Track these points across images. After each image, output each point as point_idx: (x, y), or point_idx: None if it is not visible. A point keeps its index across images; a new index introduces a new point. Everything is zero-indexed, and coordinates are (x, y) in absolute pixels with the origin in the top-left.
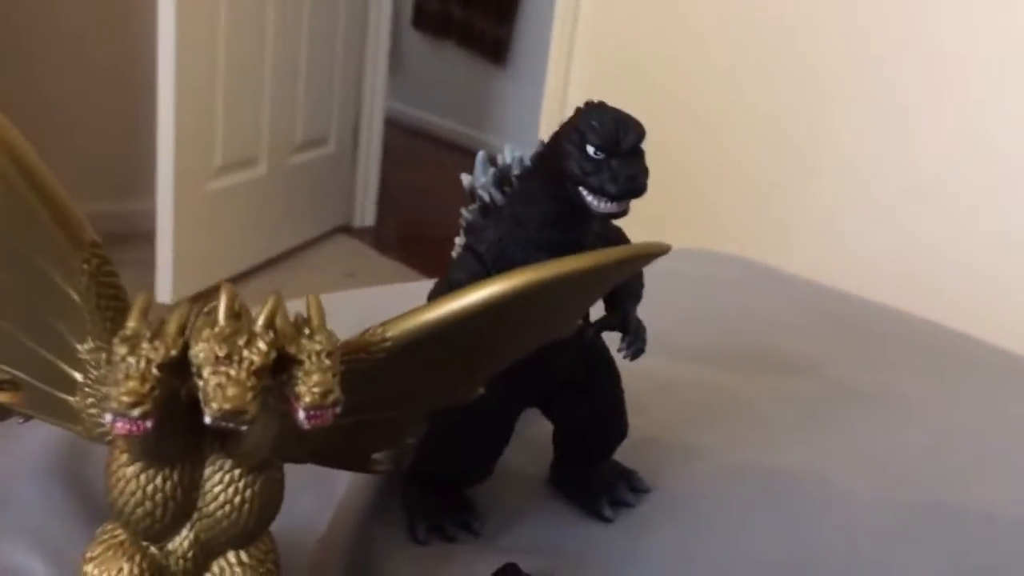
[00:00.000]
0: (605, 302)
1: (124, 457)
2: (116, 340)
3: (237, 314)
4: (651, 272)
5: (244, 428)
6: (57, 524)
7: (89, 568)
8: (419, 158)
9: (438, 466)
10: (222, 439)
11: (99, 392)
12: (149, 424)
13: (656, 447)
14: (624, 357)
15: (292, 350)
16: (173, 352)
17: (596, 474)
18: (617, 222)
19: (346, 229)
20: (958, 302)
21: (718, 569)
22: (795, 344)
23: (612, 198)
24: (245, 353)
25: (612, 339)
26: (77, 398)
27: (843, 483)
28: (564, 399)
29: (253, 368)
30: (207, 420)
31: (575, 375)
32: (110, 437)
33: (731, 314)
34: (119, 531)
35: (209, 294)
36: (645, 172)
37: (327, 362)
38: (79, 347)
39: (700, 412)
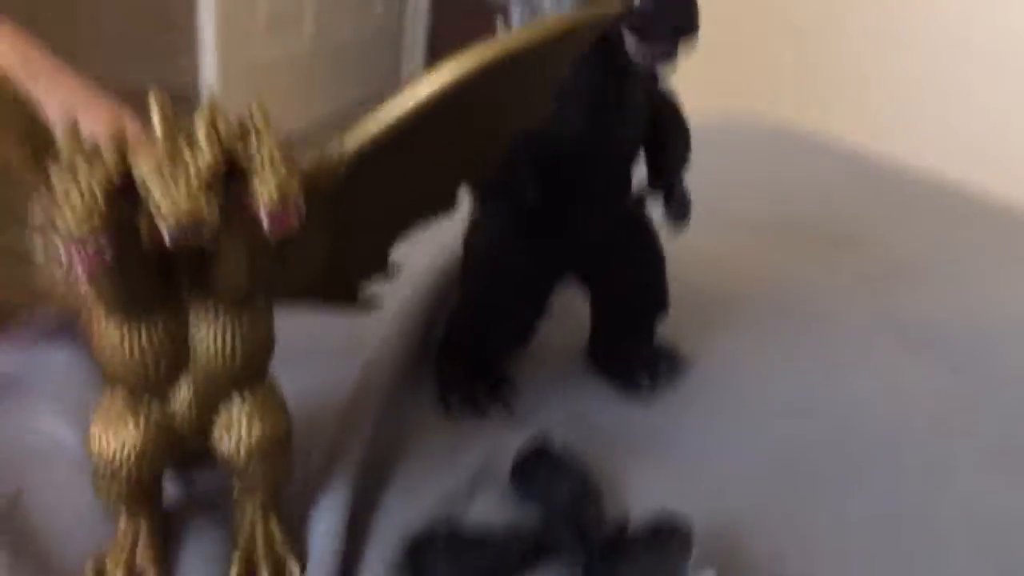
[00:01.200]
0: (648, 168)
1: (107, 323)
2: (51, 171)
3: (173, 123)
4: (698, 140)
5: (206, 243)
6: (83, 391)
7: (97, 439)
8: (468, 32)
9: (472, 338)
10: (198, 283)
11: None
12: (104, 243)
13: (698, 322)
14: (667, 226)
15: (240, 156)
16: (114, 176)
17: (634, 349)
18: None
19: None
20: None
21: (754, 448)
22: (843, 215)
23: (656, 39)
24: (191, 161)
25: (655, 208)
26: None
27: (896, 359)
28: (602, 270)
29: (203, 175)
30: (167, 240)
31: (614, 242)
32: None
33: (775, 183)
34: (117, 397)
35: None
36: (695, 11)
37: (279, 161)
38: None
39: (743, 286)
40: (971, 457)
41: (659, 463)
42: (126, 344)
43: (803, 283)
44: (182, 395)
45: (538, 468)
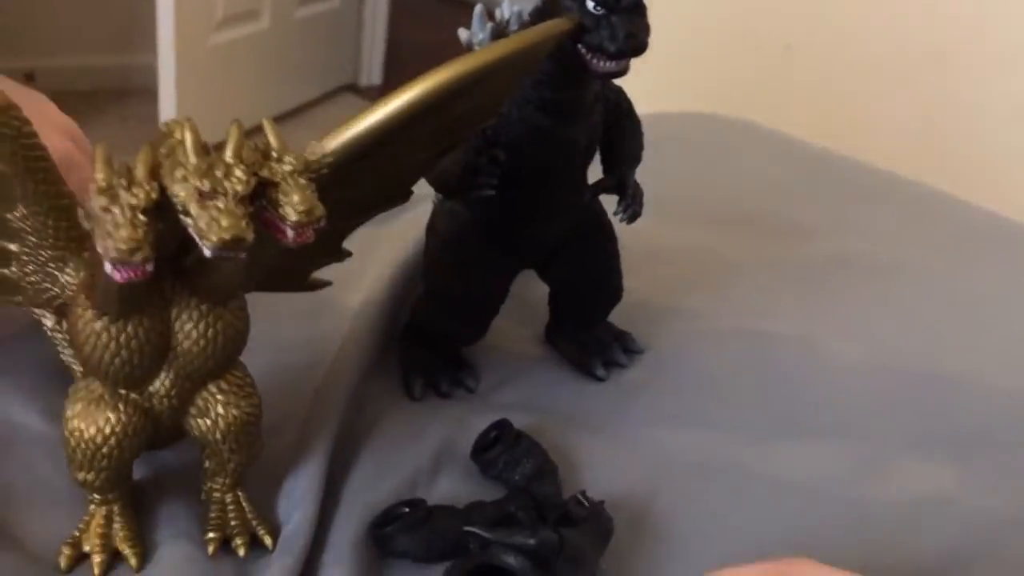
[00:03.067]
0: (603, 164)
1: (89, 314)
2: (93, 193)
3: (205, 148)
4: (652, 136)
5: (240, 255)
6: (51, 380)
7: (75, 423)
8: (428, 17)
9: (434, 325)
10: (183, 283)
11: (40, 257)
12: (150, 267)
13: (649, 310)
14: (620, 220)
15: (265, 174)
16: (153, 196)
17: (590, 335)
18: (618, 82)
19: (352, 88)
20: (973, 173)
21: (705, 429)
22: (796, 210)
23: (611, 56)
24: (227, 184)
25: (609, 202)
26: (14, 268)
27: (834, 349)
28: (559, 260)
29: (239, 196)
30: (208, 254)
31: (571, 236)
32: (60, 301)
33: (733, 179)
34: (95, 385)
35: (162, 138)
36: (646, 29)
37: (302, 180)
38: (10, 216)
39: (694, 276)
40: (896, 442)
41: (611, 441)
42: (110, 340)
43: (752, 274)
44: (161, 384)
45: (498, 447)
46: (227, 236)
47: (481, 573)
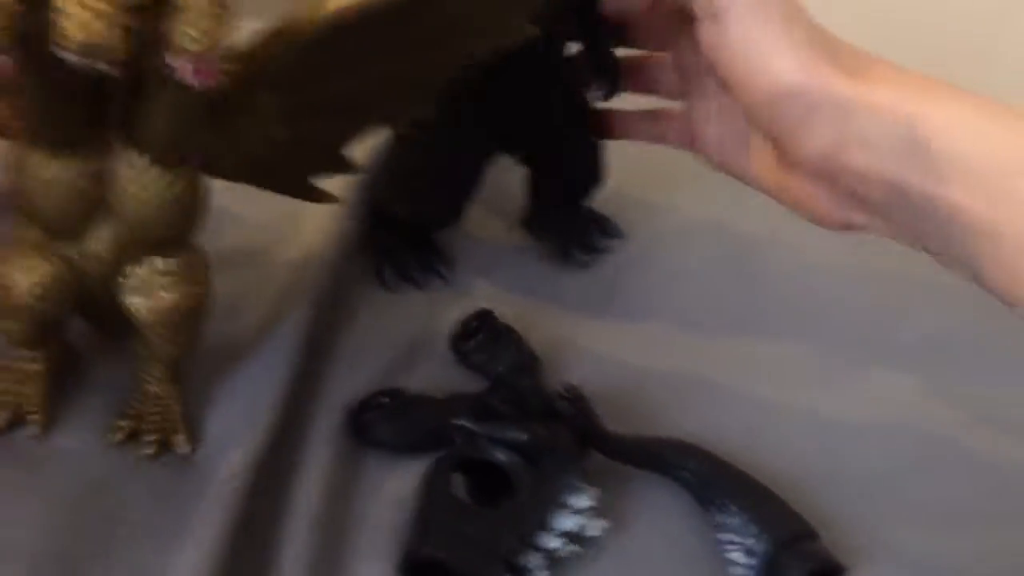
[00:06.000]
0: (583, 40)
1: (31, 154)
2: None
3: None
4: None
5: (107, 69)
6: None
7: (2, 264)
8: None
9: (404, 207)
10: (126, 128)
11: None
12: (6, 50)
13: (630, 200)
14: (595, 98)
15: None
16: None
17: (570, 218)
18: None
19: None
20: None
21: (679, 316)
22: None
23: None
24: None
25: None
26: None
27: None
28: (538, 141)
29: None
30: (67, 58)
31: (551, 116)
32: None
33: None
34: (30, 232)
35: None
36: None
37: (207, 6)
38: None
39: (676, 166)
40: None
41: (593, 334)
42: (46, 176)
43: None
44: (97, 241)
45: (479, 337)
46: (82, 35)
47: (466, 467)
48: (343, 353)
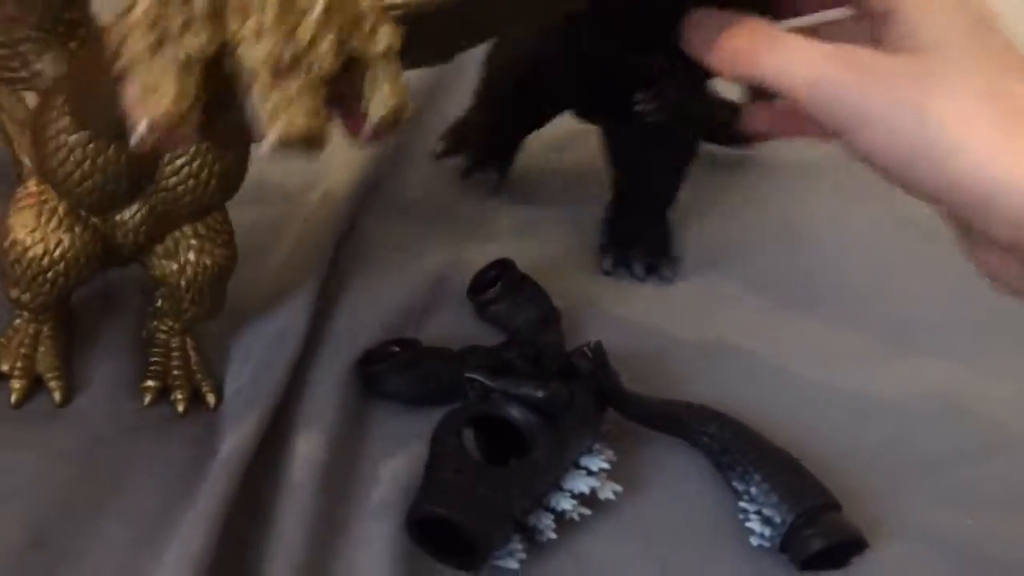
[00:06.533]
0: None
1: (66, 121)
2: (127, 22)
3: None
4: None
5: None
6: None
7: (19, 236)
8: None
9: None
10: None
11: (15, 34)
12: (193, 122)
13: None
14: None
15: (355, 44)
16: (211, 47)
17: (653, 231)
18: None
19: None
20: None
21: (715, 286)
22: None
23: None
24: (310, 58)
25: None
26: None
27: (858, 229)
28: (633, 139)
29: (321, 78)
30: (262, 148)
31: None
32: (25, 86)
33: None
34: (50, 195)
35: None
36: None
37: (395, 66)
38: None
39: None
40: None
41: (619, 288)
42: (85, 159)
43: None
44: (131, 217)
45: (497, 287)
46: (295, 132)
47: (478, 424)
48: (354, 298)
